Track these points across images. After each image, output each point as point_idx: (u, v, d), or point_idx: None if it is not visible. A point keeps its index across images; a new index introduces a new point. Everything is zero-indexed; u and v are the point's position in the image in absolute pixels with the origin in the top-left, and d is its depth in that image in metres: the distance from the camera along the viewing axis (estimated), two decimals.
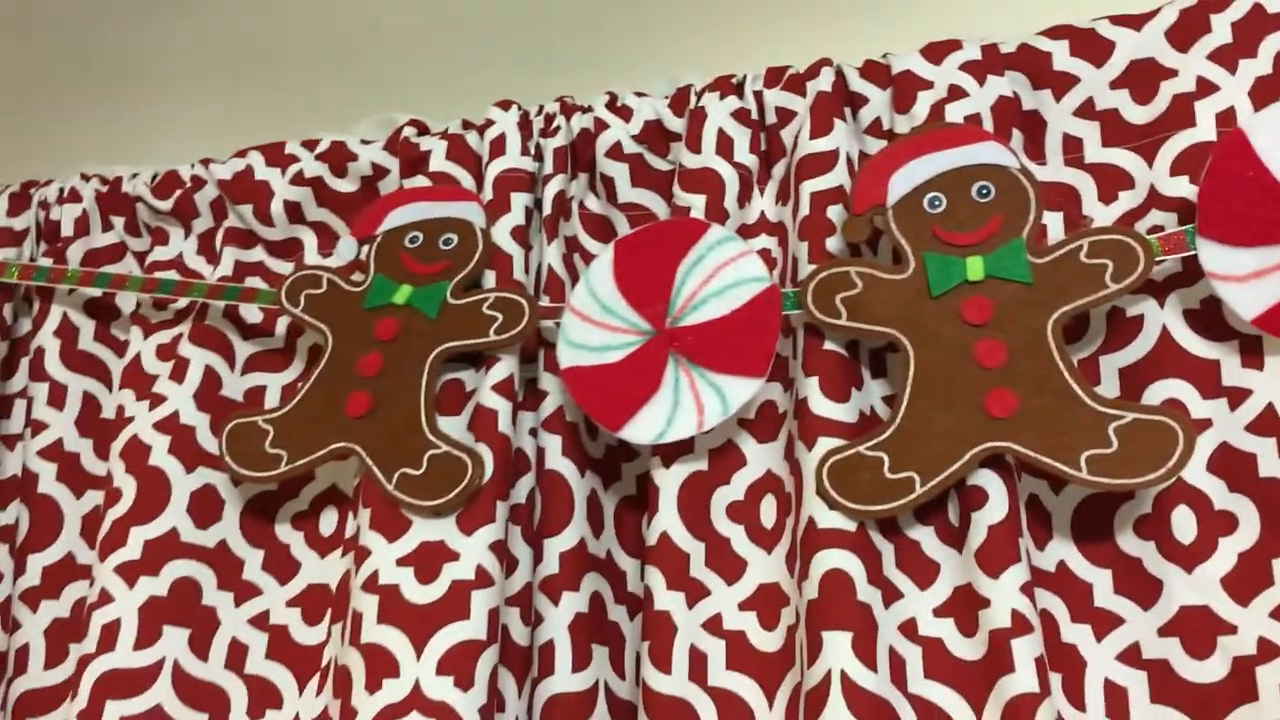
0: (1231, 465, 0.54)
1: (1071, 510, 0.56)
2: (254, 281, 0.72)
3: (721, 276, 0.60)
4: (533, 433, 0.63)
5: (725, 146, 0.65)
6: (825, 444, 0.56)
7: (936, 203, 0.58)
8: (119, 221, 0.77)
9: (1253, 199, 0.54)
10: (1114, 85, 0.61)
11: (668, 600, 0.57)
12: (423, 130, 0.72)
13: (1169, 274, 0.57)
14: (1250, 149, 0.54)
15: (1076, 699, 0.53)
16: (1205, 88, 0.59)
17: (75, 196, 0.78)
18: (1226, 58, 0.59)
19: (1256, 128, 0.54)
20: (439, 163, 0.69)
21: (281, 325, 0.72)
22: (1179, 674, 0.52)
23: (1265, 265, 0.53)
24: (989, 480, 0.53)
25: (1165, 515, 0.54)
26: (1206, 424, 0.55)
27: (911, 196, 0.58)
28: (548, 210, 0.67)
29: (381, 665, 0.56)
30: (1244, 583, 0.52)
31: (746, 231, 0.64)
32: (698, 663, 0.56)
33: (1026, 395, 0.53)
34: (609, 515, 0.64)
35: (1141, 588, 0.54)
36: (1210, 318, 0.56)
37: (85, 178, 0.78)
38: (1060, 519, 0.56)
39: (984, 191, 0.57)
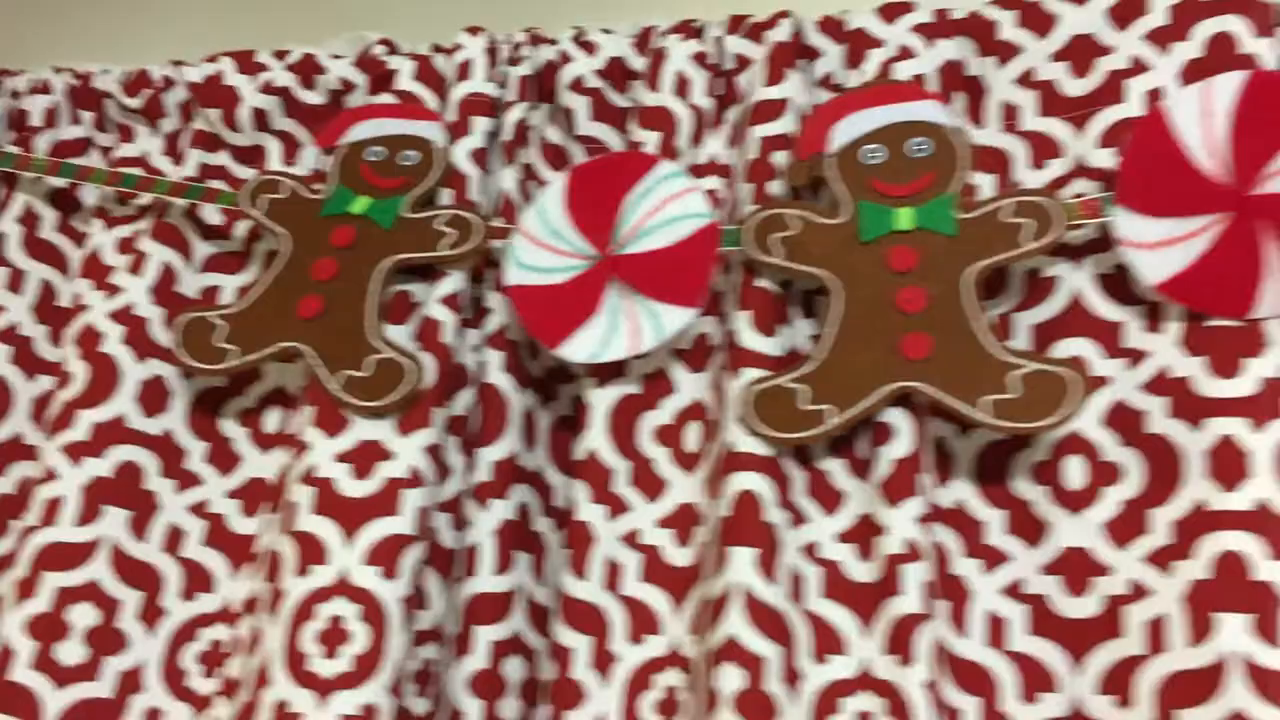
0: (1124, 420, 0.57)
1: (974, 453, 0.59)
2: (217, 184, 0.74)
3: (666, 210, 0.62)
4: (477, 349, 0.66)
5: (683, 87, 0.67)
6: (751, 374, 0.59)
7: (874, 154, 0.61)
8: (87, 116, 0.78)
9: (1167, 173, 0.57)
10: (1054, 57, 0.63)
11: (590, 512, 0.60)
12: (392, 50, 0.74)
13: (1088, 239, 0.60)
14: (1169, 126, 0.57)
15: (961, 626, 0.57)
16: (1138, 66, 0.62)
17: (46, 88, 0.79)
18: (1161, 39, 0.62)
19: (1176, 106, 0.57)
20: (406, 82, 0.71)
21: (240, 229, 0.74)
22: (1056, 609, 0.56)
23: (1173, 235, 0.57)
24: (898, 418, 0.57)
25: (1059, 463, 0.57)
26: (1105, 381, 0.58)
27: (852, 147, 0.61)
28: (508, 136, 0.69)
29: (312, 552, 0.59)
30: (1123, 529, 0.55)
31: (698, 170, 0.67)
32: (613, 572, 0.60)
33: (940, 340, 0.56)
34: (543, 432, 0.66)
35: (1030, 528, 0.57)
36: (1120, 283, 0.59)
37: (57, 70, 0.80)
38: (963, 461, 0.59)
39: (920, 147, 0.60)
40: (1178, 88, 0.60)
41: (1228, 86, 0.57)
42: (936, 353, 0.56)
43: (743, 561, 0.55)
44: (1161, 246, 0.57)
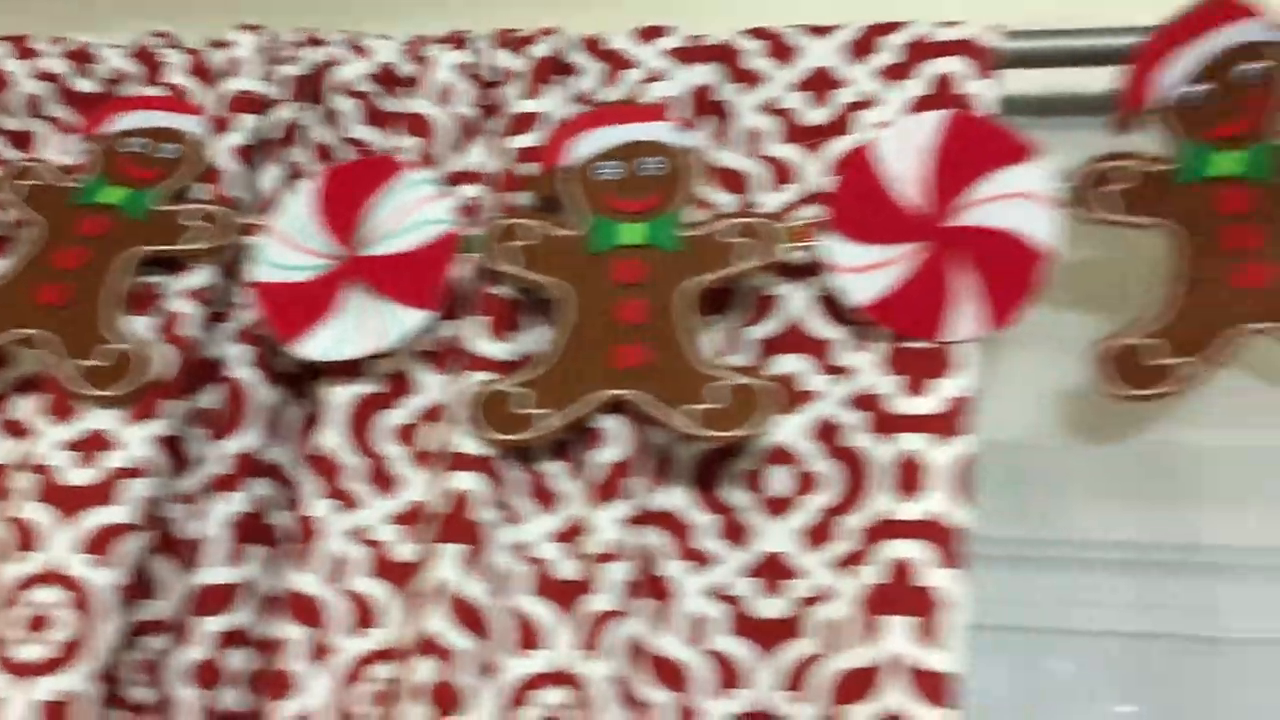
0: (827, 433, 0.60)
1: (690, 461, 0.62)
2: None
3: (410, 215, 0.64)
4: (226, 343, 0.66)
5: (448, 96, 0.69)
6: (481, 377, 0.61)
7: (611, 170, 0.63)
8: None
9: (873, 202, 0.61)
10: (795, 87, 0.67)
11: (321, 508, 0.62)
12: (169, 42, 0.74)
13: (808, 261, 0.63)
14: (877, 159, 0.61)
15: (665, 624, 0.59)
16: (869, 100, 0.65)
17: None
18: (892, 75, 0.65)
19: (884, 140, 0.61)
20: (178, 75, 0.72)
21: (3, 214, 0.73)
22: (753, 609, 0.59)
23: (878, 261, 0.60)
24: (612, 424, 0.59)
25: (765, 471, 0.60)
26: (814, 395, 0.61)
27: (591, 161, 0.64)
28: (275, 134, 0.70)
29: (28, 538, 0.59)
30: (816, 535, 0.59)
31: (457, 179, 0.68)
32: (339, 567, 0.61)
33: (654, 351, 0.59)
34: (289, 428, 0.67)
35: (736, 533, 0.60)
36: (835, 303, 0.62)
37: None
38: (680, 467, 0.62)
39: (653, 166, 0.63)
40: (931, 121, 0.64)
41: (930, 124, 0.61)
42: (648, 363, 0.59)
43: (450, 558, 0.57)
44: (867, 271, 0.60)
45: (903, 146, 0.61)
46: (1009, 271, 0.59)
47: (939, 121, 0.61)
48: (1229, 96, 0.59)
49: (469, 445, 0.59)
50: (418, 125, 0.68)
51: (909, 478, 0.57)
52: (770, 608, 0.58)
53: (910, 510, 0.56)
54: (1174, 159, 0.59)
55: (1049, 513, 0.64)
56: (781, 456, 0.61)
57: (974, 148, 0.60)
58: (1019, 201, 0.59)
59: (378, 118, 0.71)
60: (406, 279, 0.63)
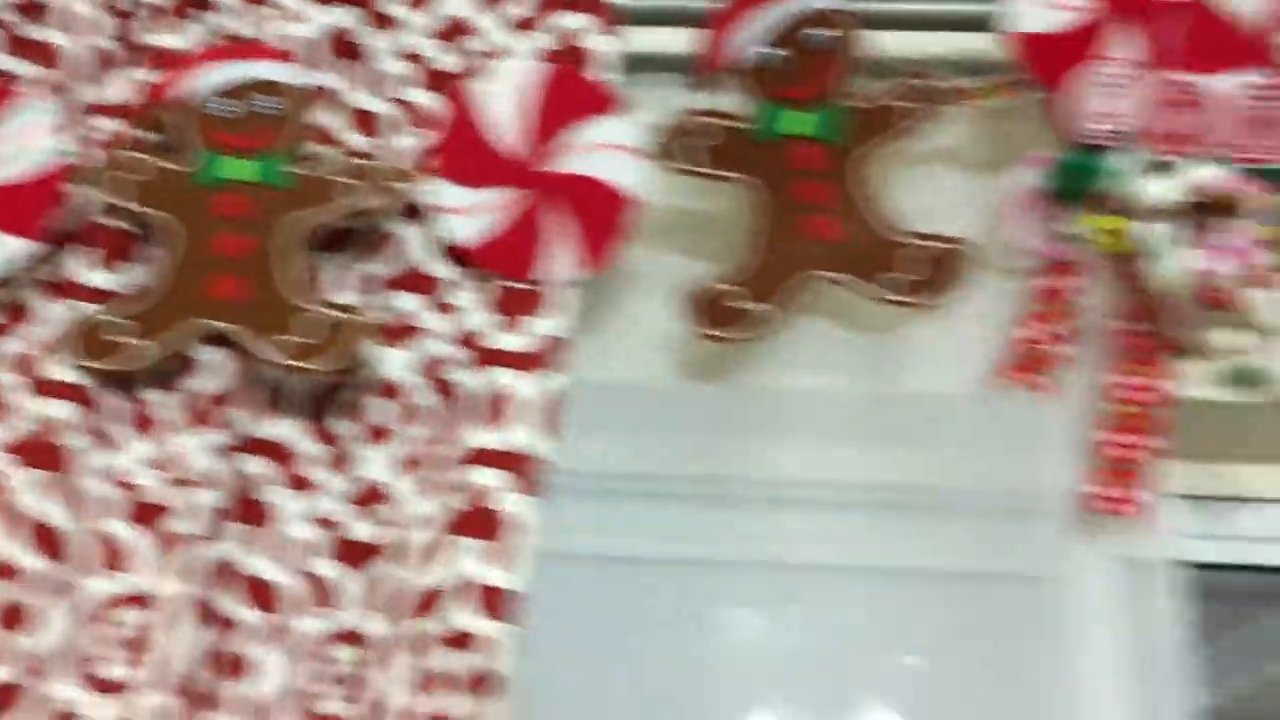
0: (431, 367, 0.63)
1: (301, 392, 0.64)
2: None
3: (22, 144, 0.64)
4: None
5: (84, 27, 0.69)
6: (84, 308, 0.62)
7: (224, 107, 0.64)
8: None
9: (475, 148, 0.64)
10: (431, 35, 0.69)
11: None
12: None
13: (427, 203, 0.66)
14: (477, 106, 0.64)
15: (267, 549, 0.61)
16: (501, 49, 0.68)
17: None
18: (520, 27, 0.68)
19: (483, 89, 0.64)
20: None
21: None
22: (350, 533, 0.61)
23: (479, 204, 0.63)
24: (210, 354, 0.61)
25: (371, 403, 0.63)
26: (424, 332, 0.64)
27: (206, 97, 0.65)
28: None
29: None
30: (412, 463, 0.62)
31: (96, 110, 0.68)
32: None
33: (254, 285, 0.61)
34: None
35: (341, 462, 0.63)
36: (447, 244, 0.65)
37: None
38: (291, 399, 0.64)
39: (268, 105, 0.64)
40: (530, 72, 0.67)
41: (528, 74, 0.64)
42: (245, 296, 0.61)
43: (33, 485, 0.58)
44: (469, 214, 0.64)
45: (502, 95, 0.64)
46: (599, 217, 0.63)
47: (536, 72, 0.64)
48: (800, 60, 0.64)
49: (63, 373, 0.60)
50: (49, 55, 0.68)
51: (497, 410, 0.61)
52: (364, 532, 0.61)
53: (495, 440, 0.60)
54: (752, 118, 0.64)
55: (638, 448, 0.68)
56: (388, 390, 0.63)
57: (568, 99, 0.64)
58: (609, 152, 0.63)
59: (18, 46, 0.70)
60: (10, 208, 0.63)
